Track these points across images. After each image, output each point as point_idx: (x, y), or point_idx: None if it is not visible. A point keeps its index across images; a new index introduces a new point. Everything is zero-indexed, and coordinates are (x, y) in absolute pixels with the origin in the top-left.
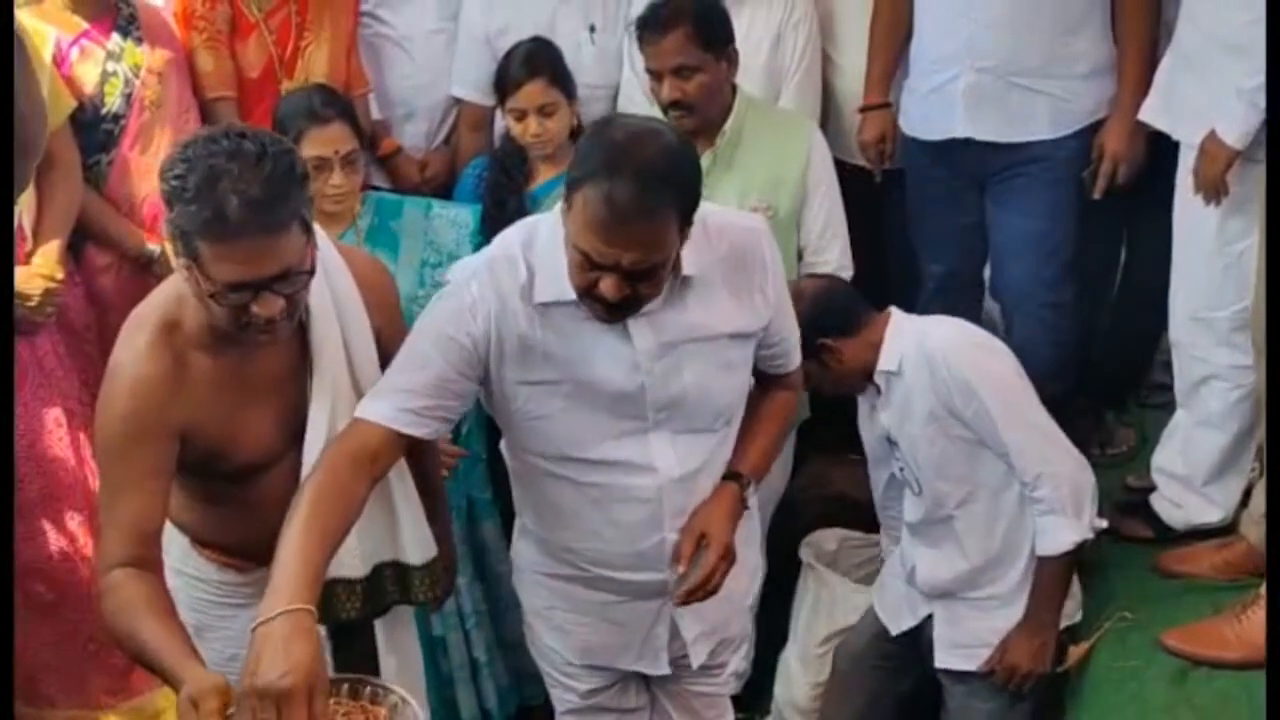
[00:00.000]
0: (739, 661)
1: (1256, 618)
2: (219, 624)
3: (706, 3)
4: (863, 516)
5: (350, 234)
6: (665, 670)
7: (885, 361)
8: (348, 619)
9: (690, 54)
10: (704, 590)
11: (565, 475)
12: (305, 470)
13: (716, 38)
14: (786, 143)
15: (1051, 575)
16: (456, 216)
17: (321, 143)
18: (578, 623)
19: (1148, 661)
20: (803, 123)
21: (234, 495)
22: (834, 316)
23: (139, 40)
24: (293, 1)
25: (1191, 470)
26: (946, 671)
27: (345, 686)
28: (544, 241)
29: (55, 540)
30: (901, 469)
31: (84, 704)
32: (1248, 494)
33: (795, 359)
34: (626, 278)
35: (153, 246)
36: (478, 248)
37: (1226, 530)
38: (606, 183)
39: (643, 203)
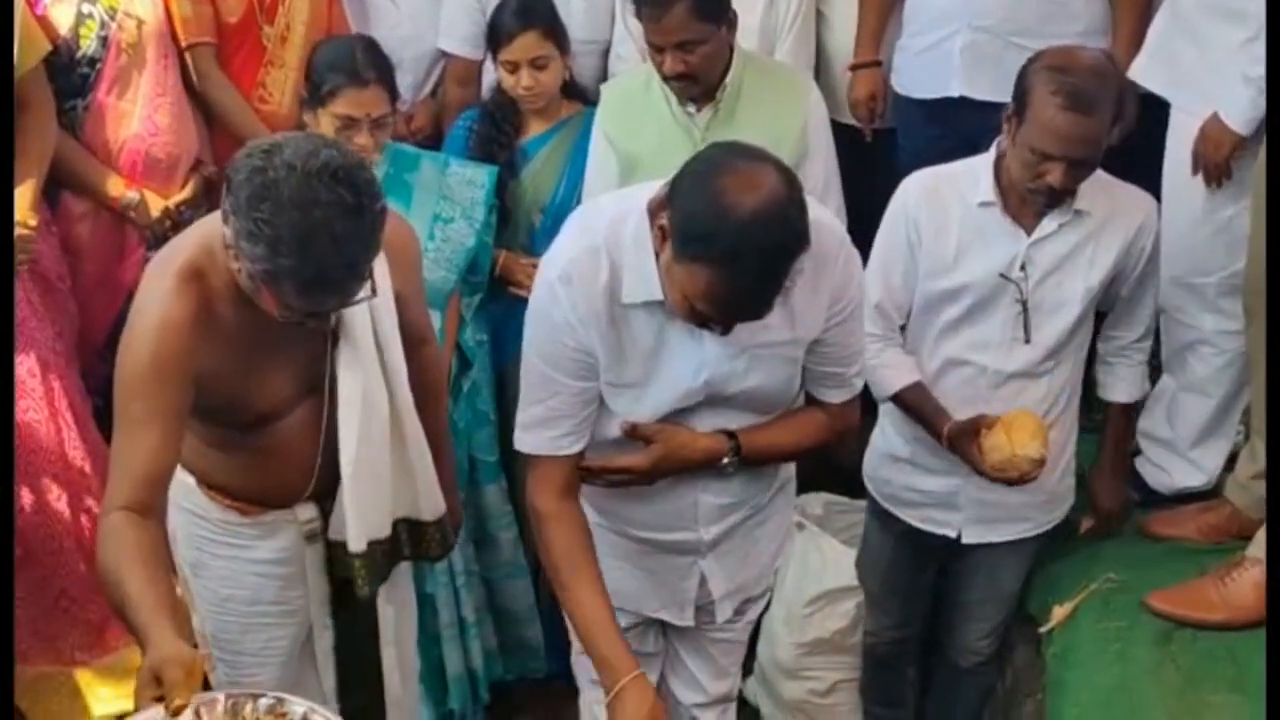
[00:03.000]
0: (757, 611)
1: (1240, 580)
2: (214, 562)
3: None
4: (846, 480)
5: None
6: (689, 622)
7: (1081, 200)
8: (381, 578)
9: (693, 28)
10: (599, 480)
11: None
12: (341, 420)
13: (718, 6)
14: (785, 99)
15: (1128, 420)
16: (473, 176)
17: (356, 104)
18: (609, 565)
19: (1133, 623)
20: (800, 78)
21: (246, 443)
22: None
23: None
24: None
25: (1177, 435)
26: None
27: (263, 701)
28: (629, 240)
29: (27, 495)
30: (1020, 311)
31: (56, 660)
32: (1233, 458)
33: (839, 394)
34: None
35: (131, 194)
36: (491, 209)
37: (1211, 493)
38: (731, 269)
39: (769, 286)
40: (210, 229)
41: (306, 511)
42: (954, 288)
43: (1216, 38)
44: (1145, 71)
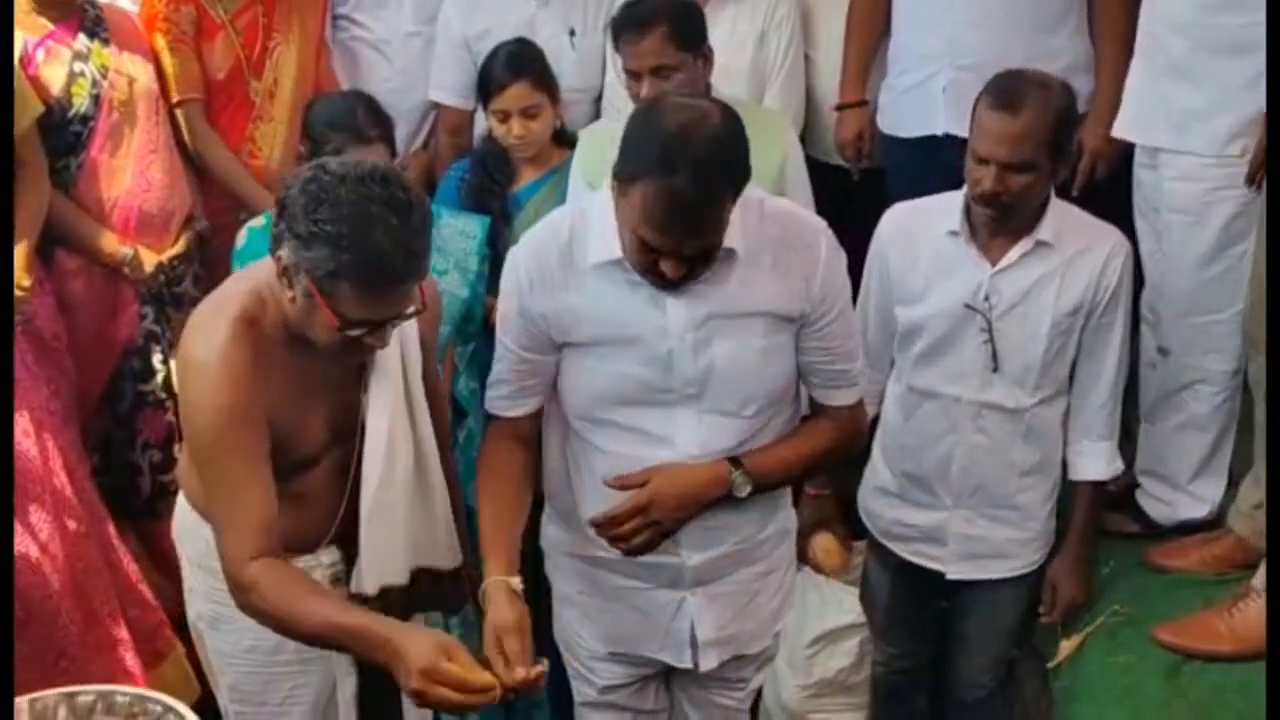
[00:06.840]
0: (754, 675)
1: (1247, 611)
2: (236, 612)
3: (683, 2)
4: (850, 518)
5: None
6: (688, 664)
7: (1044, 230)
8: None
9: (668, 54)
10: (613, 534)
11: (591, 440)
12: (365, 463)
13: (693, 37)
14: (763, 138)
15: (1096, 503)
16: (465, 227)
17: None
18: (602, 609)
19: (1140, 656)
20: (777, 119)
21: (278, 490)
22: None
23: (106, 41)
24: (260, 2)
25: (1176, 470)
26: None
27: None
28: (598, 206)
29: (24, 548)
30: (986, 340)
31: None
32: (1235, 486)
33: (848, 394)
34: (686, 260)
35: (125, 250)
36: (484, 259)
37: (1214, 523)
38: (664, 180)
39: (701, 197)
40: (256, 275)
41: (330, 555)
42: (923, 318)
43: (1218, 75)
44: (1136, 126)
